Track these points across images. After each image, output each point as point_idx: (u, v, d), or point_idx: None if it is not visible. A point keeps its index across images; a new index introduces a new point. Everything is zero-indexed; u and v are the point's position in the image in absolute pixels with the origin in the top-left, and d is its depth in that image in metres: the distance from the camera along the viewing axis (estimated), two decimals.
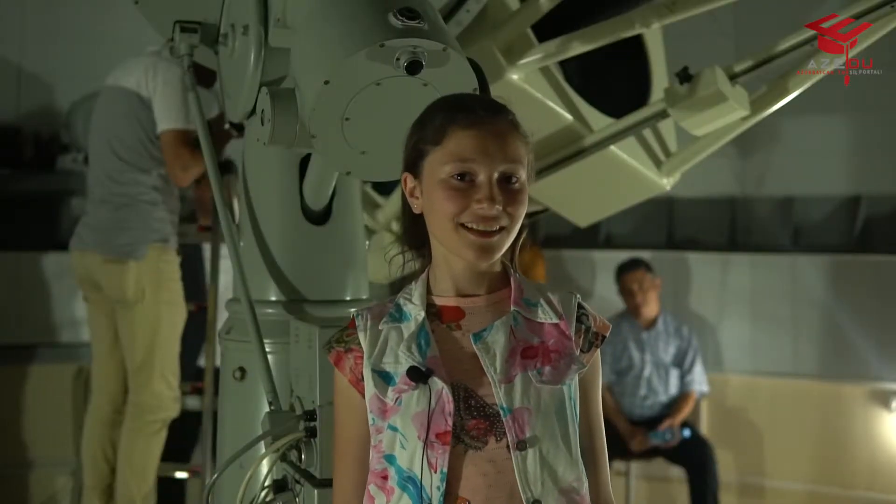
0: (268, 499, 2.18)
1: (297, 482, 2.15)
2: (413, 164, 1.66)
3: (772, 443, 5.49)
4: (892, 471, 5.19)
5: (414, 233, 1.70)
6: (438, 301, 1.67)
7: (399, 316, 1.66)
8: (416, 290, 1.67)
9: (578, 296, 1.73)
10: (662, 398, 5.30)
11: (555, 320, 1.67)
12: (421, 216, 1.67)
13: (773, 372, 5.51)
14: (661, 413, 5.26)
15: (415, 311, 1.65)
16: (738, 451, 5.53)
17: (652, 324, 5.37)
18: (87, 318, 4.18)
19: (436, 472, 1.56)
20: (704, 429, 5.52)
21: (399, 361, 1.61)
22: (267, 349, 2.30)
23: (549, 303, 1.68)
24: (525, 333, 1.64)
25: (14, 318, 5.05)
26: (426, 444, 1.56)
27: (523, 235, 1.68)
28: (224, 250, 3.94)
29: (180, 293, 4.04)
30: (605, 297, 5.74)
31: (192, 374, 4.43)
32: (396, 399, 1.60)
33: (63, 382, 4.96)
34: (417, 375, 1.58)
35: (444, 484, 1.56)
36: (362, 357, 1.64)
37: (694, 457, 5.15)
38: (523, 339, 1.63)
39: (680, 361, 5.35)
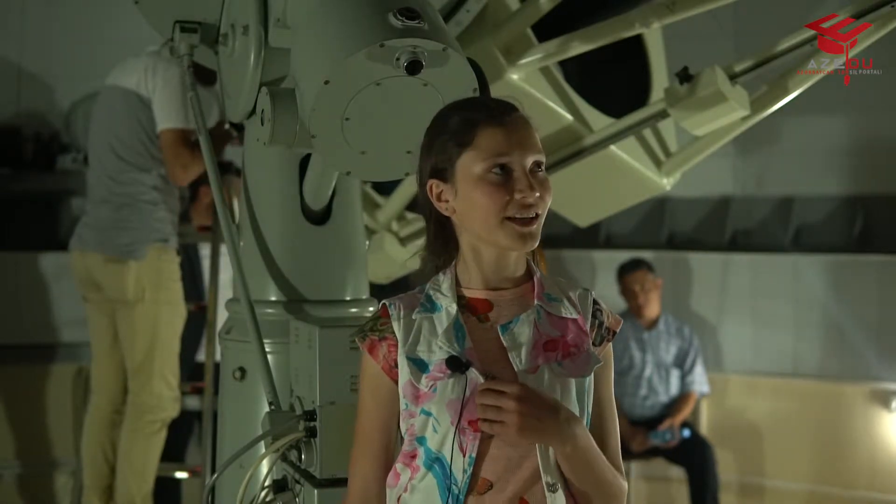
0: (268, 499, 2.18)
1: (297, 482, 2.15)
2: (440, 169, 1.72)
3: (772, 443, 5.49)
4: (892, 471, 5.18)
5: (442, 237, 1.78)
6: (468, 293, 1.75)
7: (431, 306, 1.74)
8: (445, 282, 1.76)
9: (593, 293, 1.81)
10: (663, 398, 5.30)
11: (574, 316, 1.76)
12: (447, 220, 1.75)
13: (773, 372, 5.51)
14: (661, 413, 5.27)
15: (446, 303, 1.73)
16: (738, 451, 5.53)
17: (653, 324, 5.37)
18: (86, 318, 4.18)
19: (465, 456, 1.65)
20: (704, 429, 5.53)
21: (432, 350, 1.70)
22: (267, 349, 2.30)
23: (569, 298, 1.77)
24: (547, 327, 1.73)
25: (14, 318, 5.05)
26: (458, 429, 1.65)
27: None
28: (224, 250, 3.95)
29: (180, 293, 4.04)
30: (605, 297, 5.66)
31: (188, 371, 4.42)
32: (431, 386, 1.68)
33: (63, 382, 4.96)
34: (456, 365, 1.66)
35: (472, 467, 1.65)
36: (396, 345, 1.72)
37: (694, 457, 5.15)
38: (546, 333, 1.72)
39: (681, 362, 5.35)
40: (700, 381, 5.34)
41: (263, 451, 2.18)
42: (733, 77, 2.90)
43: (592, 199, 3.58)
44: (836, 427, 5.37)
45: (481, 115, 1.70)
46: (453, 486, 1.65)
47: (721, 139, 3.13)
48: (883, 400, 5.21)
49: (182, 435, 4.70)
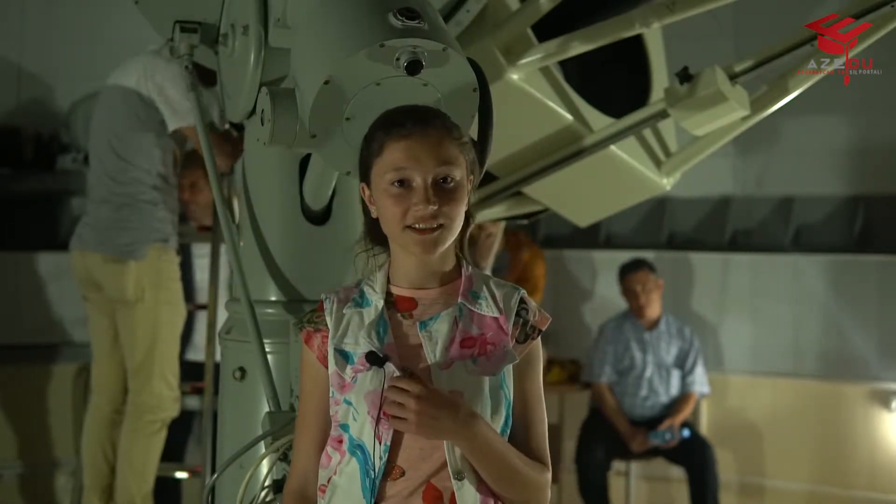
0: (268, 499, 2.18)
1: None
2: (364, 175, 1.86)
3: (772, 443, 5.50)
4: (892, 471, 5.19)
5: (375, 233, 1.89)
6: (395, 291, 1.86)
7: (361, 301, 1.86)
8: (378, 279, 1.87)
9: (523, 291, 1.89)
10: (663, 399, 5.31)
11: (495, 314, 1.84)
12: (377, 219, 1.86)
13: (773, 372, 5.51)
14: (661, 413, 5.27)
15: (375, 299, 1.85)
16: (738, 451, 5.53)
17: (654, 324, 5.37)
18: (86, 318, 4.18)
19: (381, 443, 1.77)
20: (704, 429, 5.53)
21: (358, 343, 1.81)
22: (267, 349, 2.30)
23: (493, 297, 1.86)
24: (468, 324, 1.82)
25: (14, 318, 5.05)
26: (377, 419, 1.76)
27: (470, 226, 1.88)
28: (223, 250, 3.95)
29: (180, 293, 4.04)
30: (605, 297, 5.74)
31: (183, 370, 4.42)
32: (353, 377, 1.80)
33: (63, 382, 4.96)
34: (374, 359, 1.77)
35: (387, 454, 1.77)
36: (328, 336, 1.84)
37: (694, 457, 5.16)
38: (464, 330, 1.82)
39: (681, 362, 5.35)
40: (700, 381, 5.35)
41: (263, 451, 2.18)
42: (733, 77, 2.90)
43: (592, 199, 3.58)
44: (836, 427, 5.37)
45: (392, 130, 1.80)
46: (370, 471, 1.77)
47: (721, 139, 3.13)
48: (883, 400, 5.22)
49: (182, 435, 4.69)
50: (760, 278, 5.62)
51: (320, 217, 2.46)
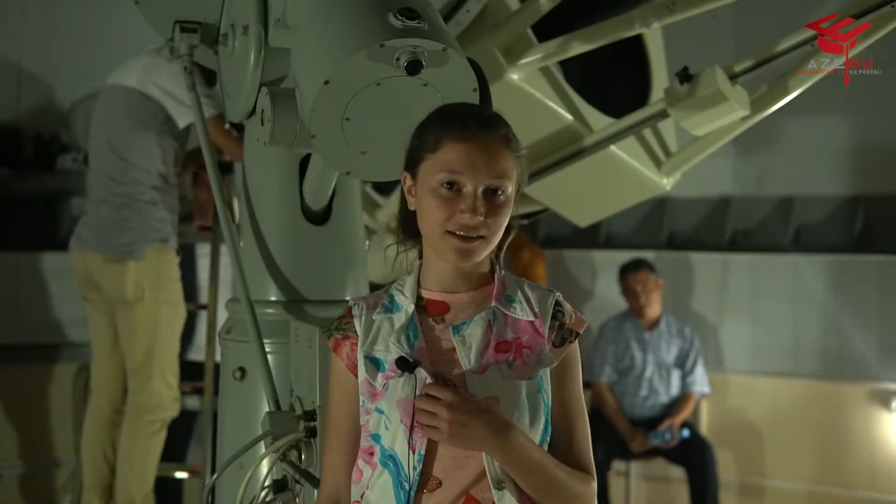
0: (268, 499, 2.18)
1: (297, 482, 2.15)
2: (411, 165, 1.78)
3: (772, 443, 5.49)
4: (892, 471, 5.19)
5: (408, 226, 1.82)
6: (426, 295, 1.80)
7: (391, 307, 1.80)
8: (408, 283, 1.81)
9: (558, 294, 1.83)
10: (663, 399, 5.30)
11: (530, 318, 1.78)
12: (415, 213, 1.79)
13: (773, 372, 5.51)
14: (661, 413, 5.27)
15: (405, 304, 1.79)
16: (738, 451, 5.53)
17: (654, 324, 5.37)
18: (86, 318, 4.18)
19: (414, 453, 1.69)
20: (704, 429, 5.53)
21: (389, 350, 1.74)
22: (267, 349, 2.30)
23: (527, 300, 1.80)
24: (502, 328, 1.76)
25: (14, 318, 5.05)
26: (410, 428, 1.69)
27: (511, 236, 1.81)
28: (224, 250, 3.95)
29: (180, 293, 4.04)
30: (605, 297, 5.74)
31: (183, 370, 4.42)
32: (384, 384, 1.73)
33: (63, 382, 4.96)
34: (405, 365, 1.71)
35: (421, 464, 1.69)
36: (357, 344, 1.78)
37: (694, 457, 5.16)
38: (499, 334, 1.75)
39: (682, 362, 5.35)
40: (701, 381, 5.35)
41: (263, 451, 2.18)
42: (733, 77, 2.90)
43: (592, 199, 3.58)
44: (836, 427, 5.37)
45: (453, 128, 1.72)
46: (404, 483, 1.69)
47: (721, 139, 3.13)
48: (883, 400, 5.21)
49: (182, 435, 4.70)
50: (760, 278, 5.61)
51: (320, 217, 2.47)
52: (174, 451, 4.46)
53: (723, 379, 5.58)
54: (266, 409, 2.25)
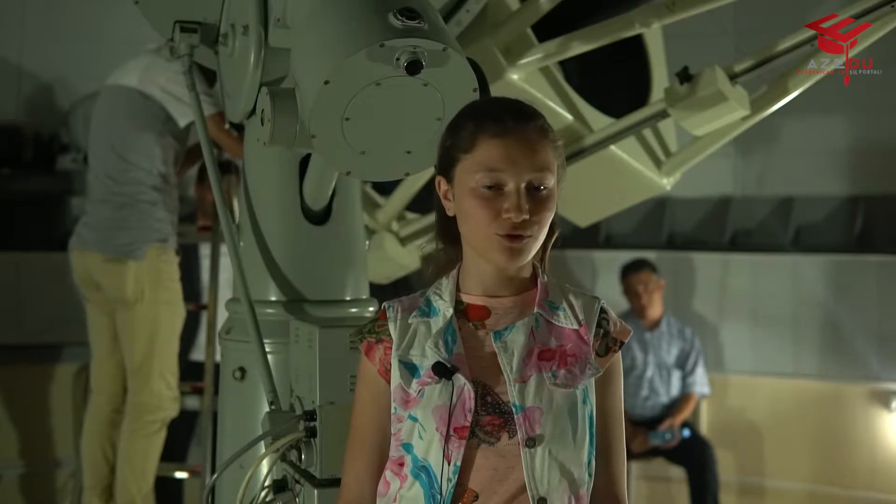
0: (268, 499, 2.18)
1: (297, 482, 2.15)
2: (446, 169, 1.70)
3: (772, 443, 5.49)
4: (892, 471, 5.18)
5: (447, 232, 1.74)
6: (466, 299, 1.71)
7: (428, 310, 1.71)
8: (447, 286, 1.72)
9: (603, 301, 1.76)
10: (664, 399, 5.30)
11: (574, 326, 1.71)
12: (453, 217, 1.70)
13: (773, 372, 5.50)
14: (661, 414, 5.27)
15: (443, 308, 1.70)
16: (738, 451, 5.53)
17: (655, 325, 5.37)
18: (86, 318, 4.18)
19: (450, 464, 1.60)
20: (704, 429, 5.52)
21: (425, 355, 1.66)
22: (267, 349, 2.30)
23: (571, 307, 1.72)
24: (545, 336, 1.68)
25: (14, 318, 5.04)
26: (446, 437, 1.60)
27: (554, 237, 1.74)
28: (224, 250, 3.94)
29: (179, 293, 4.04)
30: (605, 297, 5.68)
31: (183, 370, 4.43)
32: (419, 391, 1.65)
33: (63, 382, 4.96)
34: (442, 371, 1.63)
35: (457, 476, 1.60)
36: (391, 348, 1.69)
37: (694, 457, 5.15)
38: (542, 341, 1.67)
39: (682, 363, 5.35)
40: (701, 382, 5.34)
41: (263, 451, 2.18)
42: (733, 77, 2.90)
43: (592, 199, 3.58)
44: (836, 427, 5.36)
45: (487, 124, 1.64)
46: (437, 496, 1.60)
47: (721, 139, 3.13)
48: (883, 400, 5.21)
49: (182, 435, 4.70)
50: (760, 278, 5.61)
51: (320, 217, 2.47)
52: (174, 451, 4.46)
53: (723, 379, 5.58)
54: (266, 409, 2.25)
